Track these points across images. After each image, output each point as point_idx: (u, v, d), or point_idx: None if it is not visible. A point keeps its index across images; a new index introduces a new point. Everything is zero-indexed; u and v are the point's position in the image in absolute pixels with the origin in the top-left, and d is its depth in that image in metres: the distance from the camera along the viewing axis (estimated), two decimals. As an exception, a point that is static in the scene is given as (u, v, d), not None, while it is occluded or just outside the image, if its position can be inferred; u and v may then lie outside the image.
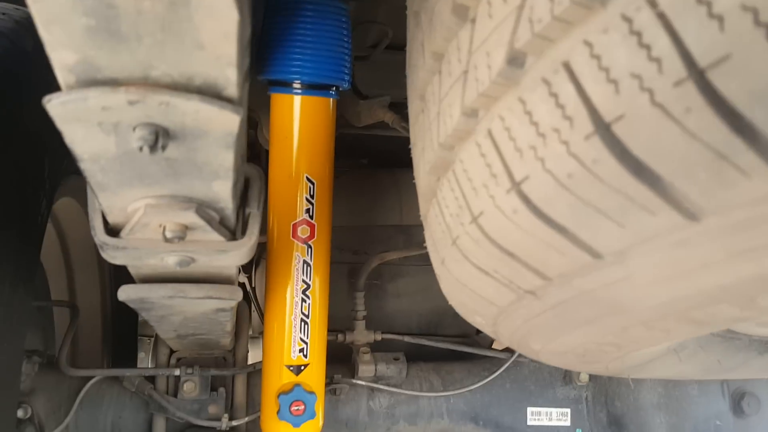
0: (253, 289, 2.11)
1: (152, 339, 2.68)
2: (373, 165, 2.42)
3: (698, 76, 0.34)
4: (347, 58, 1.28)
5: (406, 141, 1.15)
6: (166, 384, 1.56)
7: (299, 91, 1.29)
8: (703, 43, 0.33)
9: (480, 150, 0.53)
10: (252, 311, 1.95)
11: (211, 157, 0.61)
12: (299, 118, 1.31)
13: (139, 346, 2.37)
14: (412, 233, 2.05)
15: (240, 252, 0.79)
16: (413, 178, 0.88)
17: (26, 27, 1.22)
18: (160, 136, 0.56)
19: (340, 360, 1.75)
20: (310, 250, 1.39)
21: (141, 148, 0.55)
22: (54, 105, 0.52)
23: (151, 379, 1.55)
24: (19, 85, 1.12)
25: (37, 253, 1.14)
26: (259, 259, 2.80)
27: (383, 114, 1.57)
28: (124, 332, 2.08)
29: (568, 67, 0.41)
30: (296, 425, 1.37)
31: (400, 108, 1.58)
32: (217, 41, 0.48)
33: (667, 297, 0.48)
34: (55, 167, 1.20)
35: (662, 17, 0.35)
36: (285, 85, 1.29)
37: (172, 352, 1.59)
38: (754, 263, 0.41)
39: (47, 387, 1.52)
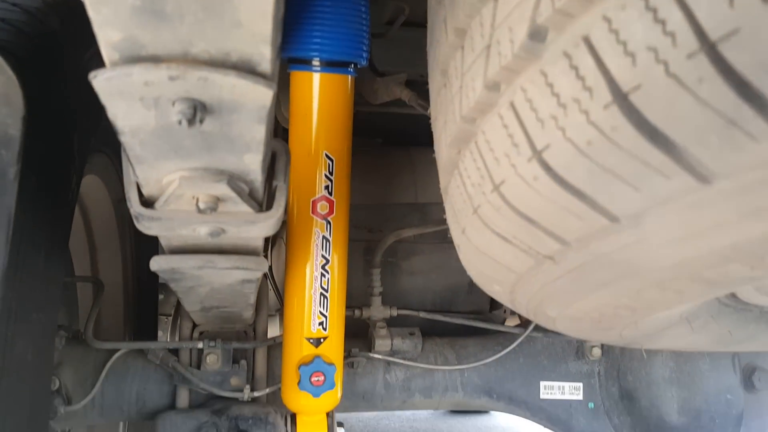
0: (270, 268, 2.16)
1: (170, 317, 2.74)
2: (387, 143, 2.45)
3: (710, 48, 0.36)
4: (365, 35, 1.30)
5: (421, 119, 1.17)
6: (189, 357, 1.61)
7: (318, 68, 1.31)
8: (714, 18, 0.36)
9: (502, 121, 0.56)
10: (269, 289, 1.99)
11: (244, 131, 0.64)
12: (318, 96, 1.34)
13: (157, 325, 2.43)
14: (427, 211, 2.09)
15: (267, 224, 0.82)
16: (428, 156, 0.91)
17: (54, 6, 1.25)
18: (198, 110, 0.59)
19: (357, 336, 1.80)
20: (329, 225, 1.42)
21: (180, 122, 0.58)
22: (99, 80, 0.56)
23: (175, 353, 1.61)
24: (48, 64, 1.15)
25: (69, 226, 1.18)
26: (276, 238, 2.86)
27: (400, 91, 1.59)
28: (144, 310, 2.14)
29: (587, 41, 0.44)
30: (316, 395, 1.42)
31: (414, 86, 1.61)
32: (254, 20, 0.51)
33: (681, 257, 0.51)
34: (83, 144, 1.24)
35: None
36: (304, 63, 1.31)
37: (194, 326, 1.64)
38: (764, 222, 0.43)
39: (74, 360, 1.57)
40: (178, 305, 1.74)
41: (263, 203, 0.84)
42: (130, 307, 2.01)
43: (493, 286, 0.84)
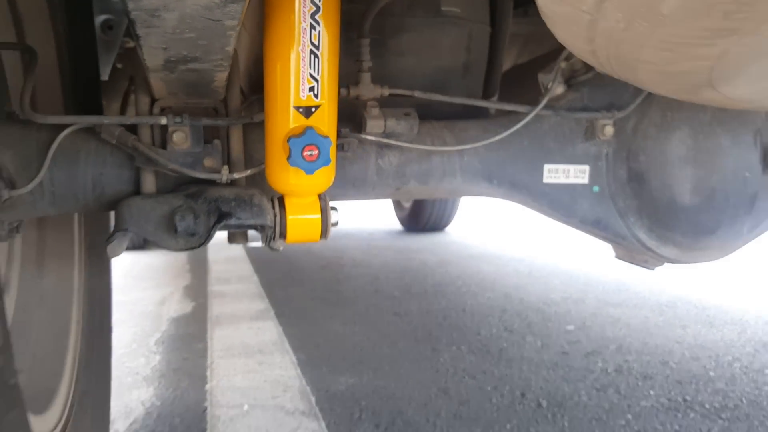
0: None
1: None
2: None
3: None
4: None
5: None
6: (151, 136, 1.37)
7: None
8: None
9: None
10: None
11: None
12: None
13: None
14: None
15: None
16: None
17: None
18: None
19: (341, 121, 1.57)
20: (318, -40, 1.13)
21: None
22: None
23: (133, 131, 1.36)
24: None
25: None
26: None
27: None
28: (86, 90, 1.82)
29: None
30: (309, 171, 1.22)
31: None
32: None
33: None
34: None
35: None
36: None
37: (153, 102, 1.38)
38: None
39: (12, 140, 1.32)
40: (130, 79, 1.46)
41: None
42: (68, 86, 1.70)
43: None
